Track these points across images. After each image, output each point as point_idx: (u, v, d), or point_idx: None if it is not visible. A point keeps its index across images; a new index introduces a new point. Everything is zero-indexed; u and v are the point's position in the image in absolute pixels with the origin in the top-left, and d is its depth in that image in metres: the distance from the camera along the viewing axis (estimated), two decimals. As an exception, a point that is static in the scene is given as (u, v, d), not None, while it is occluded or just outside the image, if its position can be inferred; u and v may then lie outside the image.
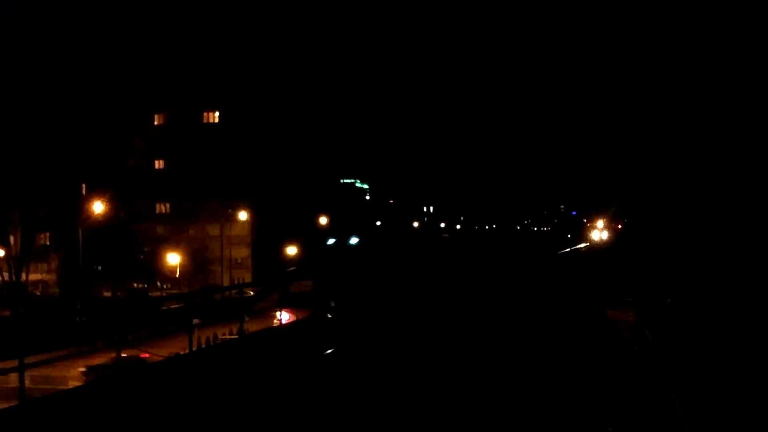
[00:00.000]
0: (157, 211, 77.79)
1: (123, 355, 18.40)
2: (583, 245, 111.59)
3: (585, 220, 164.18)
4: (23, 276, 53.94)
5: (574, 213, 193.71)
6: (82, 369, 29.03)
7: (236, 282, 64.17)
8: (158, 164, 79.02)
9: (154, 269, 67.07)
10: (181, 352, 21.30)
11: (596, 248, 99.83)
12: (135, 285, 64.68)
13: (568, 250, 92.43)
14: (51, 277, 61.65)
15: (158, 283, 67.46)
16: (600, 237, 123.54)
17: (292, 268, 58.68)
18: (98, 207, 48.77)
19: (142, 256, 68.14)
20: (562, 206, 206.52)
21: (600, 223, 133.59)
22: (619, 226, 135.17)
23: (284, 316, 31.08)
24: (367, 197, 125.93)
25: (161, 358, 19.25)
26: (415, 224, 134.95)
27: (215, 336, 36.41)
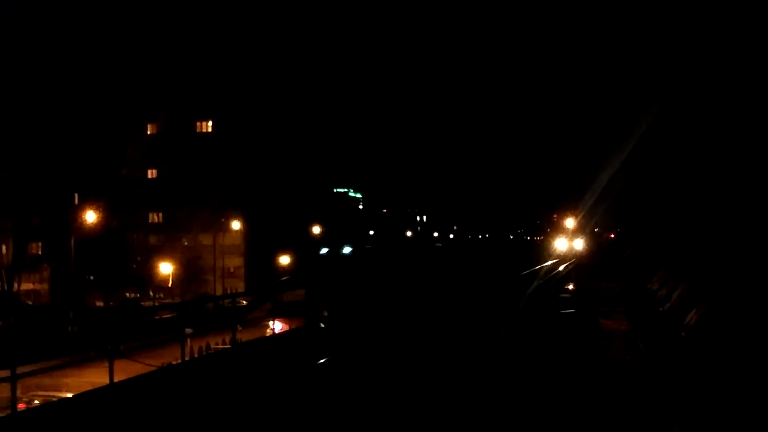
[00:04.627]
0: (150, 221, 77.80)
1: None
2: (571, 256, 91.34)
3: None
4: (15, 285, 53.89)
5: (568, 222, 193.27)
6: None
7: (229, 291, 64.09)
8: (151, 173, 79.10)
9: (147, 279, 67.04)
10: (174, 362, 21.25)
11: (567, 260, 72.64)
12: (127, 294, 64.54)
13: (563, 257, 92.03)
14: (43, 287, 61.53)
15: (151, 293, 67.35)
16: (570, 246, 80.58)
17: (285, 278, 58.65)
18: (91, 216, 48.77)
19: (134, 266, 68.15)
20: (554, 215, 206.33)
21: (569, 221, 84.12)
22: (612, 236, 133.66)
23: (277, 326, 31.04)
24: (360, 206, 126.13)
25: (154, 368, 19.22)
26: (409, 233, 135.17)
27: (208, 345, 36.36)
